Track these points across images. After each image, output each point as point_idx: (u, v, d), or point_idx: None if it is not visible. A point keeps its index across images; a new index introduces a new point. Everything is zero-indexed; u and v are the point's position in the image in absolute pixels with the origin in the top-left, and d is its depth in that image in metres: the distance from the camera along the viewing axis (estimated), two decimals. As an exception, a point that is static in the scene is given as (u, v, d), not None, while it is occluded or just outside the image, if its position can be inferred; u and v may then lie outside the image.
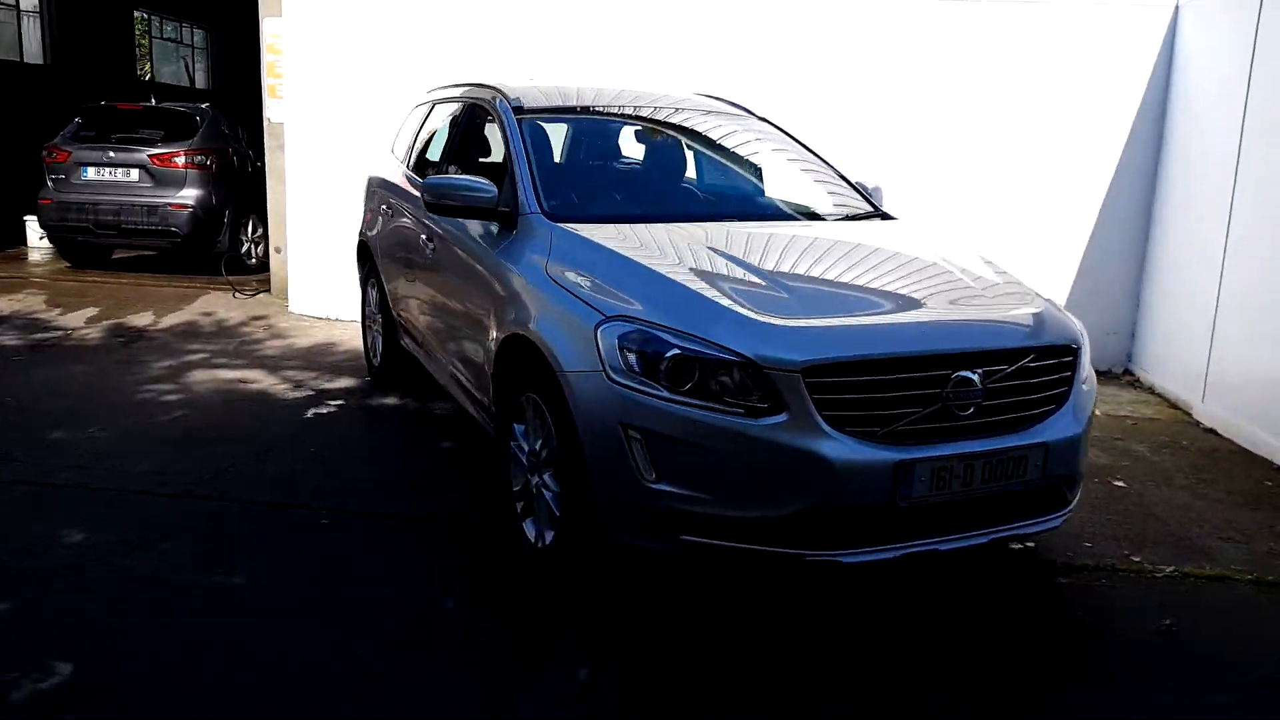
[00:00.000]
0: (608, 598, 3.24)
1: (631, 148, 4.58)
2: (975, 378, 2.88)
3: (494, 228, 3.85)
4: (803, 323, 2.89)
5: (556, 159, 4.48)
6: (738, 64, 6.85)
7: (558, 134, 4.57)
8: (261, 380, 5.80)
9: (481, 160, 4.81)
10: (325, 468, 4.35)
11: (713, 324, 2.86)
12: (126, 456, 4.42)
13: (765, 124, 4.75)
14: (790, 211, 4.14)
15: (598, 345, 2.94)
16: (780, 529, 2.78)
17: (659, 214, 3.90)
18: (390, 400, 5.46)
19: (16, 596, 3.12)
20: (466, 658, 2.86)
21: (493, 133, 4.72)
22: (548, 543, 3.25)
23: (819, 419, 2.73)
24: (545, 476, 3.26)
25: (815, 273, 3.40)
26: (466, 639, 2.97)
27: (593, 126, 4.60)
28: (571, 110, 4.43)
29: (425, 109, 5.40)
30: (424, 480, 4.29)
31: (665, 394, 2.80)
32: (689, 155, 4.64)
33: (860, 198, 4.37)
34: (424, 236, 4.53)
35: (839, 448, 2.72)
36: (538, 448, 3.29)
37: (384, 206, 5.30)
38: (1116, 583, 3.52)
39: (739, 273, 3.23)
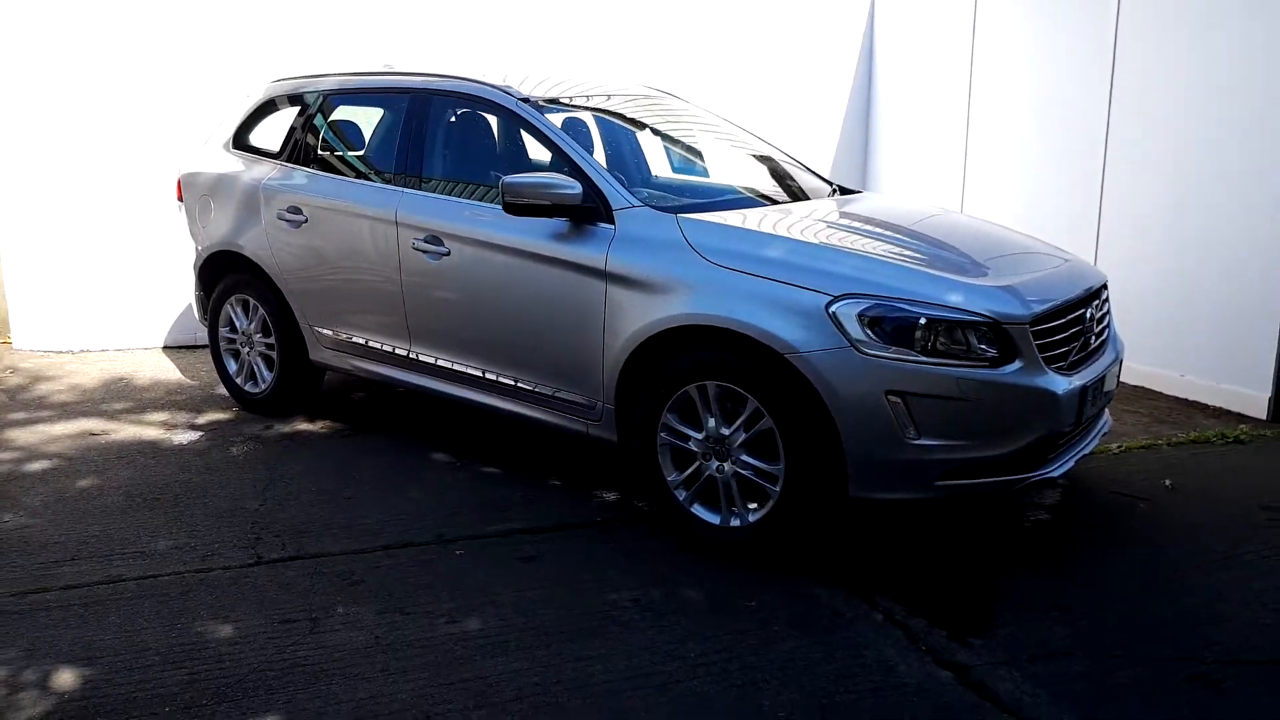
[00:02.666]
0: (841, 553, 3.44)
1: (624, 140, 4.60)
2: (1095, 312, 3.62)
3: (565, 227, 3.76)
4: (1003, 282, 3.37)
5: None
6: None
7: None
8: (116, 428, 4.81)
9: (487, 157, 4.50)
10: (383, 507, 3.88)
11: (941, 290, 3.23)
12: (118, 540, 3.56)
13: (702, 110, 5.04)
14: (805, 192, 4.50)
15: (837, 323, 3.15)
16: (1015, 459, 3.26)
17: (719, 202, 4.07)
18: (315, 426, 4.86)
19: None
20: (793, 633, 2.95)
21: (492, 128, 4.46)
22: (749, 521, 3.39)
23: (1041, 361, 3.25)
24: (736, 459, 3.37)
25: (934, 239, 3.82)
26: (763, 618, 3.03)
27: (595, 121, 4.54)
28: (572, 104, 4.36)
29: (312, 101, 4.83)
30: (514, 493, 4.03)
31: (920, 358, 3.12)
32: (678, 148, 4.79)
33: (812, 175, 4.87)
34: (412, 242, 4.17)
35: (1058, 383, 3.28)
36: (724, 433, 3.39)
37: (284, 213, 4.68)
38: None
39: (884, 244, 3.59)
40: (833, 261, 3.35)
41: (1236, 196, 5.13)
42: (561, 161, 3.90)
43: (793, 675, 2.75)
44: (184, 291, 6.44)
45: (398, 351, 4.41)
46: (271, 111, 5.09)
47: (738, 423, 3.37)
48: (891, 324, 3.15)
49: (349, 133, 4.84)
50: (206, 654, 2.81)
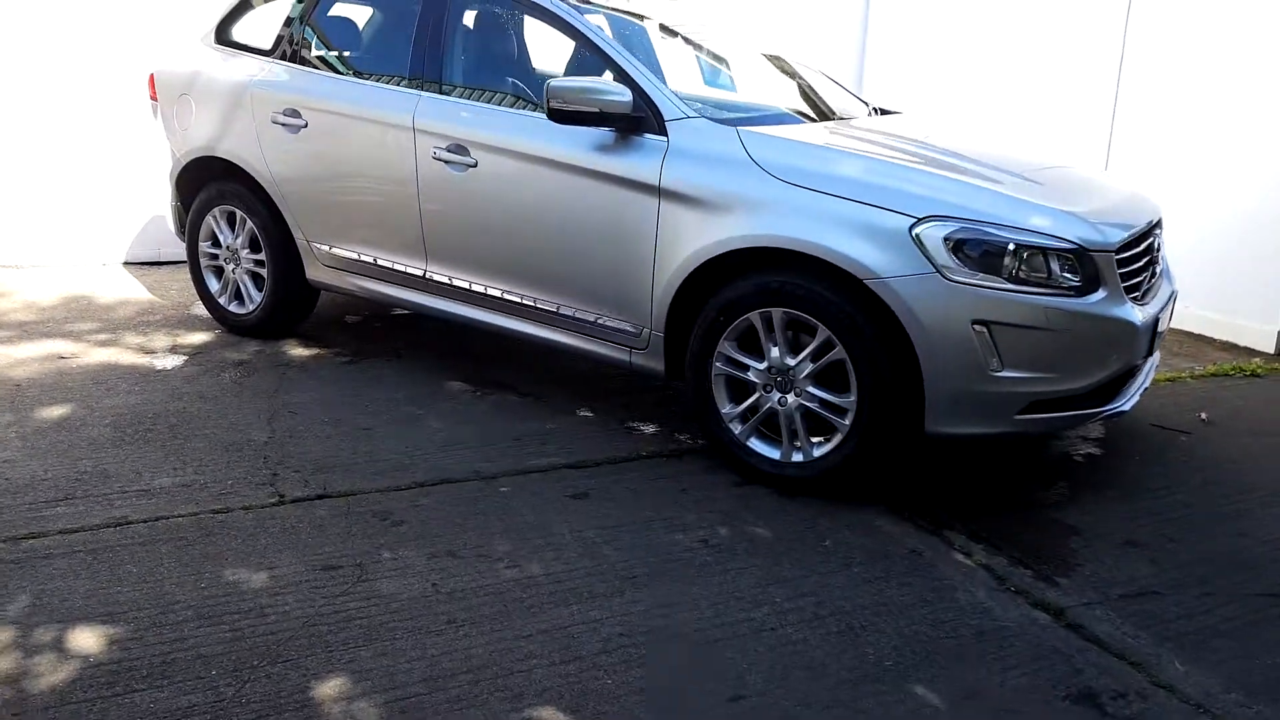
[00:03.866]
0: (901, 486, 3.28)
1: (659, 50, 4.23)
2: (1158, 242, 3.46)
3: (610, 138, 3.45)
4: (1084, 209, 3.18)
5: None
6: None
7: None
8: (87, 351, 4.41)
9: (516, 59, 4.12)
10: (406, 439, 3.59)
11: (1027, 215, 3.02)
12: (114, 476, 3.23)
13: (726, 21, 4.70)
14: (845, 111, 4.22)
15: (922, 246, 2.93)
16: (1093, 393, 3.11)
17: (766, 116, 3.79)
18: (311, 351, 4.51)
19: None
20: (877, 575, 2.78)
21: (521, 27, 4.08)
22: (814, 456, 3.20)
23: (1122, 291, 3.09)
24: (802, 391, 3.17)
25: (998, 162, 3.57)
26: (843, 559, 2.86)
27: (623, 26, 4.17)
28: (605, 6, 3.97)
29: (307, -8, 4.37)
30: (545, 425, 3.75)
31: (1008, 286, 2.93)
32: (710, 60, 4.43)
33: (847, 93, 4.60)
34: (433, 151, 3.81)
35: (1136, 313, 3.12)
36: (790, 363, 3.17)
37: (279, 116, 4.26)
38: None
39: (950, 164, 3.36)
40: (911, 181, 3.11)
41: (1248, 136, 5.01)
42: (605, 66, 3.57)
43: (889, 619, 2.58)
44: (147, 201, 5.98)
45: (410, 271, 4.08)
46: (259, 3, 4.61)
47: (805, 352, 3.15)
48: (978, 249, 2.94)
49: (352, 29, 4.40)
50: (245, 607, 2.53)
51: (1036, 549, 2.99)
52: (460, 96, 3.88)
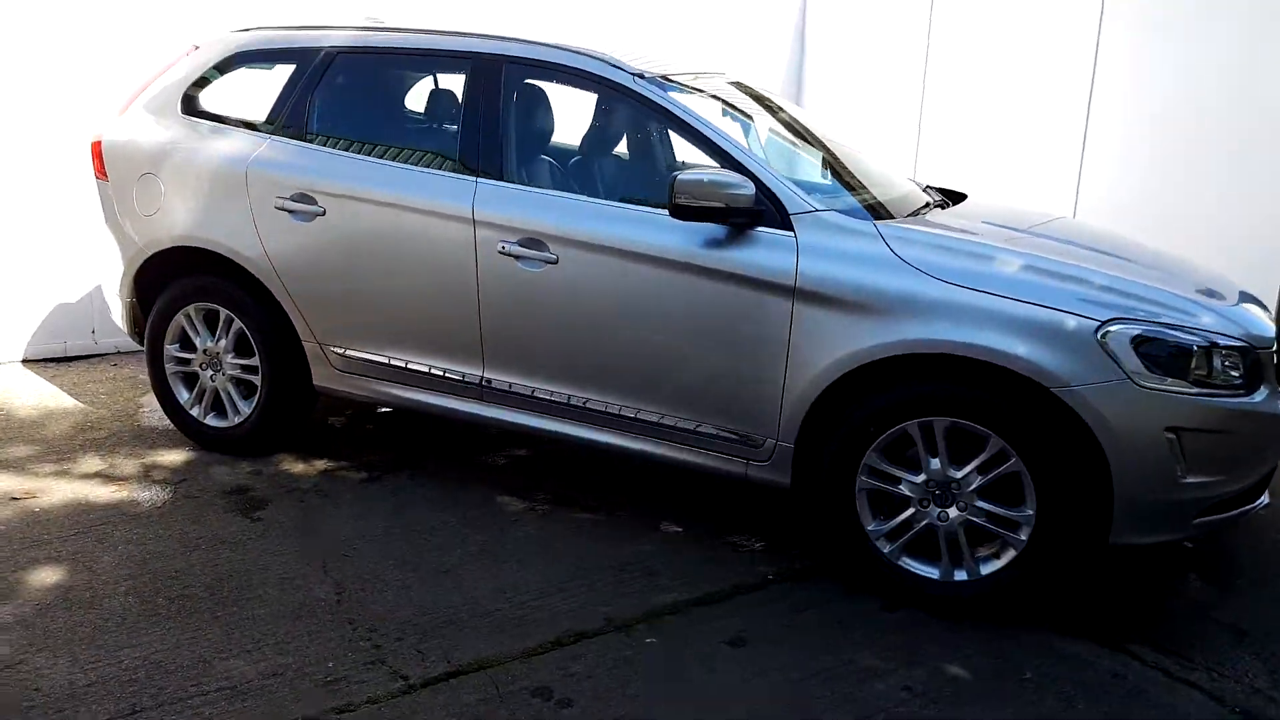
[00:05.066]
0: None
1: (746, 133, 3.88)
2: None
3: (723, 233, 3.13)
4: (1234, 303, 3.11)
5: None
6: None
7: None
8: (40, 486, 3.65)
9: (592, 144, 3.69)
10: (497, 581, 3.09)
11: (1196, 314, 2.91)
12: (175, 669, 2.58)
13: (781, 96, 4.45)
14: (929, 194, 3.95)
15: (1109, 351, 2.77)
16: (1250, 490, 3.02)
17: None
18: (319, 468, 3.90)
19: None
20: (1098, 707, 2.56)
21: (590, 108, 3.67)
22: (981, 574, 2.97)
23: (1276, 385, 3.03)
24: (969, 506, 2.93)
25: (1132, 253, 3.45)
26: (1060, 692, 2.61)
27: (710, 108, 3.80)
28: (683, 85, 3.62)
29: (313, 59, 3.80)
30: (642, 548, 3.31)
31: (1193, 390, 2.80)
32: (783, 140, 4.10)
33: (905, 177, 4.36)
34: (501, 246, 3.37)
35: None
36: (954, 476, 2.94)
37: (287, 201, 3.68)
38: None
39: (1103, 254, 3.24)
40: (1079, 279, 2.95)
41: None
42: (708, 154, 3.24)
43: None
44: (46, 286, 5.13)
45: (460, 377, 3.58)
46: (234, 68, 4.00)
47: (973, 464, 2.91)
48: (1164, 351, 2.80)
49: (378, 103, 3.88)
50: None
51: (1223, 656, 2.85)
52: (523, 184, 3.45)
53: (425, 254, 3.51)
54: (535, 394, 3.46)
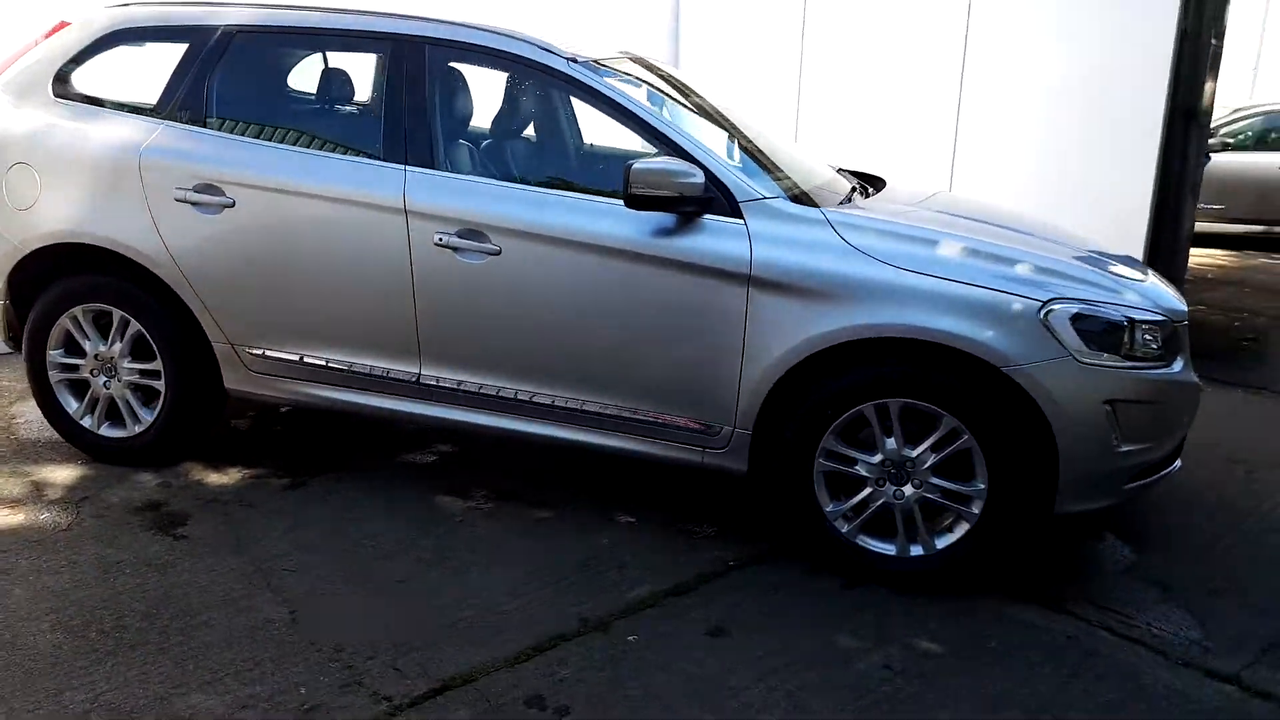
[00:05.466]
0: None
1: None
2: None
3: (671, 221, 3.11)
4: (1151, 280, 3.31)
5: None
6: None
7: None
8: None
9: (523, 130, 3.52)
10: (461, 588, 2.98)
11: (1123, 290, 3.09)
12: (131, 711, 2.37)
13: (686, 75, 4.40)
14: (851, 180, 3.97)
15: (1051, 329, 2.90)
16: (1170, 455, 3.26)
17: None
18: (235, 477, 3.65)
19: None
20: (1062, 673, 2.69)
21: (523, 93, 3.51)
22: (937, 548, 3.08)
23: (1189, 356, 3.26)
24: (924, 483, 3.04)
25: (1045, 233, 3.57)
26: (1027, 660, 2.74)
27: (638, 91, 3.70)
28: (611, 68, 3.52)
29: (209, 38, 3.51)
30: (600, 540, 3.25)
31: (1124, 363, 2.98)
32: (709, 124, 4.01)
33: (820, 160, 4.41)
34: (437, 237, 3.23)
35: (1194, 376, 3.29)
36: (909, 455, 3.03)
37: (189, 193, 3.41)
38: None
39: (1032, 237, 3.38)
40: (1019, 261, 3.07)
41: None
42: (651, 141, 3.19)
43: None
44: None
45: (392, 375, 3.42)
46: (112, 46, 3.65)
47: (927, 443, 3.01)
48: (1099, 327, 2.96)
49: (284, 87, 3.62)
50: None
51: (1156, 612, 3.06)
52: (452, 171, 3.31)
53: (351, 247, 3.33)
54: (478, 389, 3.34)
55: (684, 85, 3.90)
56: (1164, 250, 5.80)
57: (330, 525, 3.34)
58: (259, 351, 3.51)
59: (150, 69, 3.68)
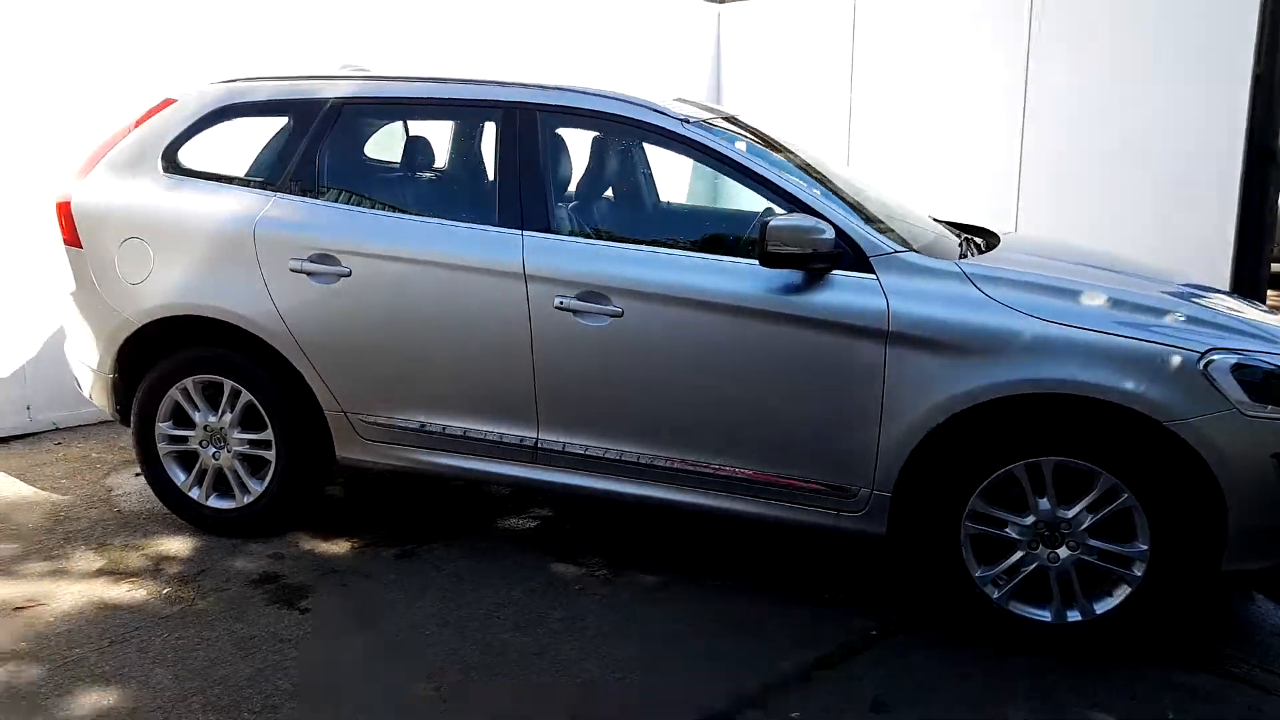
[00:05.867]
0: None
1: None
2: None
3: (798, 279, 3.02)
4: (1272, 323, 3.16)
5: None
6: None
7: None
8: (39, 590, 3.22)
9: (638, 191, 3.49)
10: (644, 656, 2.87)
11: (1275, 340, 2.95)
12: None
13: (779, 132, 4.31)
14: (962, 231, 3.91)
15: (1212, 381, 2.78)
16: None
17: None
18: (346, 548, 3.57)
19: None
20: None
21: (634, 155, 3.48)
22: (1096, 613, 2.93)
23: None
24: (1081, 545, 2.90)
25: (1160, 276, 3.50)
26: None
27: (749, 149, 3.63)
28: (715, 125, 3.46)
29: (317, 111, 3.50)
30: (732, 609, 3.12)
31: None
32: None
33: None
34: (557, 301, 3.17)
35: None
36: (1064, 516, 2.90)
37: (305, 263, 3.38)
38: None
39: (1146, 285, 3.26)
40: (1168, 311, 2.96)
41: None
42: (774, 198, 3.13)
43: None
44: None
45: (511, 440, 3.34)
46: (220, 122, 3.66)
47: (1084, 502, 2.88)
48: (1258, 377, 2.82)
49: (394, 156, 3.60)
50: None
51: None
52: (569, 235, 3.26)
53: (470, 312, 3.27)
54: (599, 454, 3.25)
55: (779, 142, 3.85)
56: (1245, 292, 5.65)
57: (451, 596, 3.24)
58: (373, 419, 3.45)
59: (252, 144, 3.69)
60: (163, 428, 3.65)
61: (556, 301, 3.17)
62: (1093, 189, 5.84)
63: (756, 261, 3.00)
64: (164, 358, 3.60)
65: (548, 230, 3.24)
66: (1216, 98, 5.33)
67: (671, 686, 2.76)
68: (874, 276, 2.98)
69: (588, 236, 3.30)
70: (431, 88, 3.47)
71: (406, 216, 3.38)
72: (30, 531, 3.68)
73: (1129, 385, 2.78)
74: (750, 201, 3.32)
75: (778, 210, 3.11)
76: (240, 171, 3.60)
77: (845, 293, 2.98)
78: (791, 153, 3.68)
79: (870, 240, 3.03)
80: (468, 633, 3.01)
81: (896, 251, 3.03)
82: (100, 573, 3.36)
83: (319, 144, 3.48)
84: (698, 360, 3.10)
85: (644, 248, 3.20)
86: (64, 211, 3.66)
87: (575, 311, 3.16)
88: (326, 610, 3.14)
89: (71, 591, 3.23)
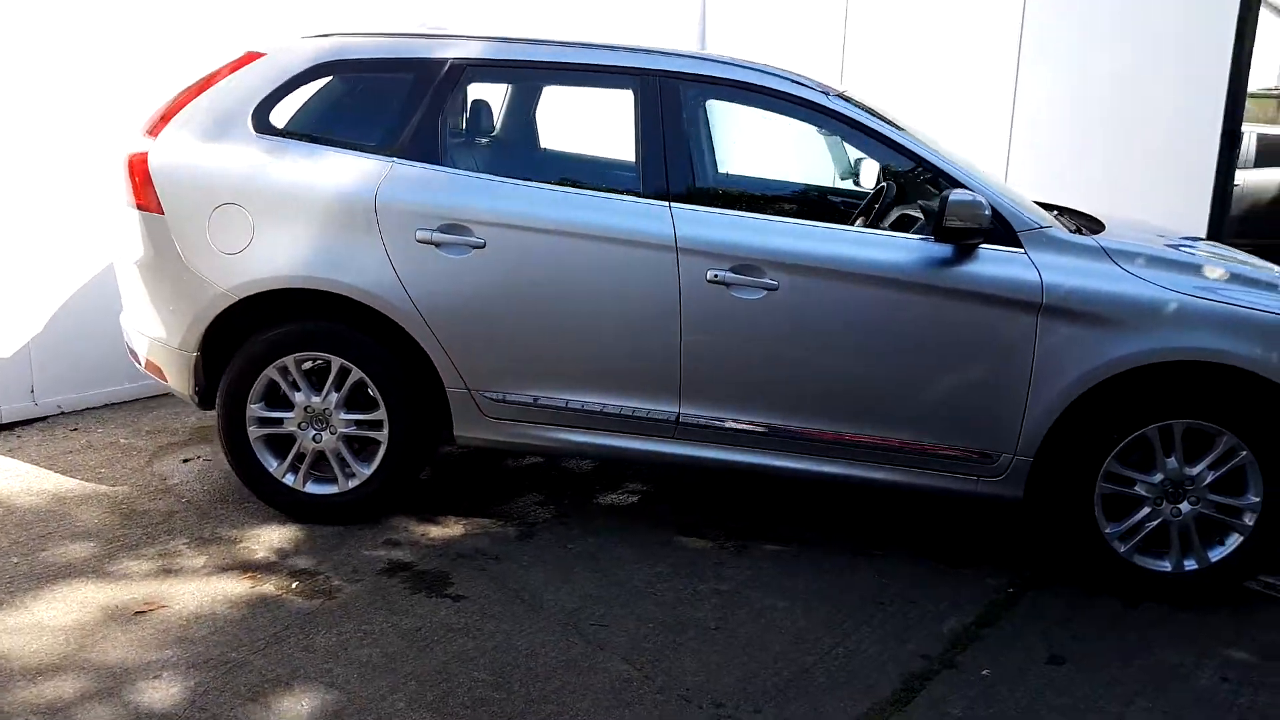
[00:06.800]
0: None
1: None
2: None
3: (948, 252, 3.16)
4: None
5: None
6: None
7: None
8: (156, 590, 3.01)
9: (786, 164, 3.46)
10: (797, 624, 2.92)
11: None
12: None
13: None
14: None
15: (1325, 347, 3.09)
16: None
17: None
18: (463, 530, 3.48)
19: None
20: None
21: (778, 127, 3.46)
22: (1211, 561, 3.21)
23: None
24: (1202, 500, 3.16)
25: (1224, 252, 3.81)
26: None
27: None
28: (852, 100, 3.52)
29: (436, 73, 3.36)
30: (862, 575, 3.21)
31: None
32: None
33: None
34: (710, 274, 3.18)
35: None
36: (1191, 473, 3.16)
37: (435, 234, 3.26)
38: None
39: (1242, 260, 3.57)
40: (1276, 285, 3.25)
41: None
42: (924, 173, 3.24)
43: None
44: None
45: (649, 415, 3.34)
46: (318, 78, 3.46)
47: (1206, 460, 3.14)
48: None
49: (524, 123, 3.49)
50: None
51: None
52: (719, 207, 3.28)
53: (615, 285, 3.24)
54: (745, 427, 3.29)
55: (895, 119, 3.95)
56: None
57: (598, 575, 3.23)
58: (501, 396, 3.37)
59: (350, 105, 3.51)
60: (254, 409, 3.44)
61: (710, 275, 3.17)
62: (1080, 164, 6.23)
63: (910, 236, 3.10)
64: (259, 333, 3.39)
65: (694, 202, 3.24)
66: (1195, 85, 5.79)
67: (857, 655, 2.84)
68: (1022, 251, 3.14)
69: (733, 209, 3.30)
70: (564, 52, 3.38)
71: (544, 186, 3.30)
72: (102, 528, 3.40)
73: (1253, 351, 3.04)
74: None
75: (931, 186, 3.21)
76: (347, 135, 3.40)
77: (998, 266, 3.12)
78: (907, 129, 3.79)
79: (1020, 216, 3.18)
80: (635, 610, 3.01)
81: (1043, 227, 3.20)
82: (209, 568, 3.16)
83: (441, 107, 3.34)
84: (852, 333, 3.19)
85: (797, 221, 3.26)
86: (139, 172, 3.37)
87: (728, 284, 3.18)
88: (480, 596, 3.06)
89: (188, 590, 3.02)
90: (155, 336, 3.49)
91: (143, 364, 3.61)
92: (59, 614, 2.85)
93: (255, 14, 4.82)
